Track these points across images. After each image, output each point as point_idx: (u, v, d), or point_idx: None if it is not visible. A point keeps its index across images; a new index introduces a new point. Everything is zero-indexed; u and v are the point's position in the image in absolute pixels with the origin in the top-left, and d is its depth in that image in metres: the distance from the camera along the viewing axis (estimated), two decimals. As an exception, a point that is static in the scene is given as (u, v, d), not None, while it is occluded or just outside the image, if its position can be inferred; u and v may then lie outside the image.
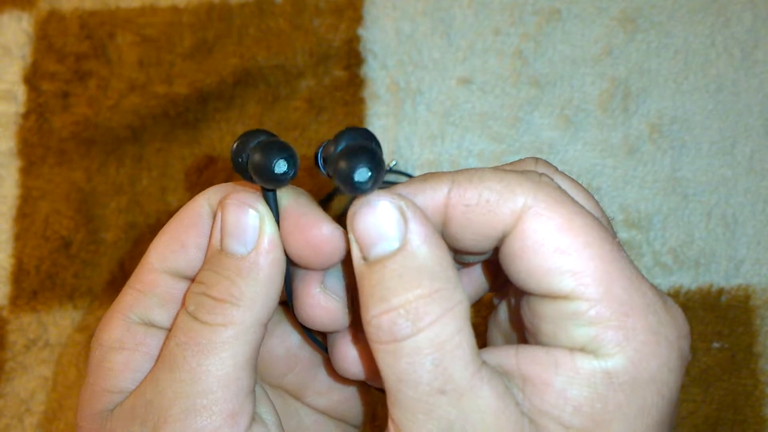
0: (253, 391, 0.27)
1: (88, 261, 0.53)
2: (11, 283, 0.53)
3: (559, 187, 0.24)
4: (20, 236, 0.54)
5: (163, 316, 0.28)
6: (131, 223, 0.54)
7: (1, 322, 0.53)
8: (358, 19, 0.56)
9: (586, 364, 0.23)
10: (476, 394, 0.22)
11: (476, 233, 0.25)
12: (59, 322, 0.52)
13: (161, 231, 0.29)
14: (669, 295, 0.51)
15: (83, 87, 0.56)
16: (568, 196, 0.24)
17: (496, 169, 0.25)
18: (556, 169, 0.27)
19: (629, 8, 0.55)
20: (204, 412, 0.25)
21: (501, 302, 0.31)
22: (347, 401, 0.34)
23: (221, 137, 0.55)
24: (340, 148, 0.24)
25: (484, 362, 0.23)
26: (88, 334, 0.52)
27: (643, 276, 0.24)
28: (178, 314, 0.27)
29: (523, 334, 0.27)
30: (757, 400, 0.50)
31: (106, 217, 0.54)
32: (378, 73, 0.55)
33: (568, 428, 0.22)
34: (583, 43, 0.54)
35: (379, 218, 0.24)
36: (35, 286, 0.53)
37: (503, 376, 0.24)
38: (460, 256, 0.28)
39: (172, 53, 0.57)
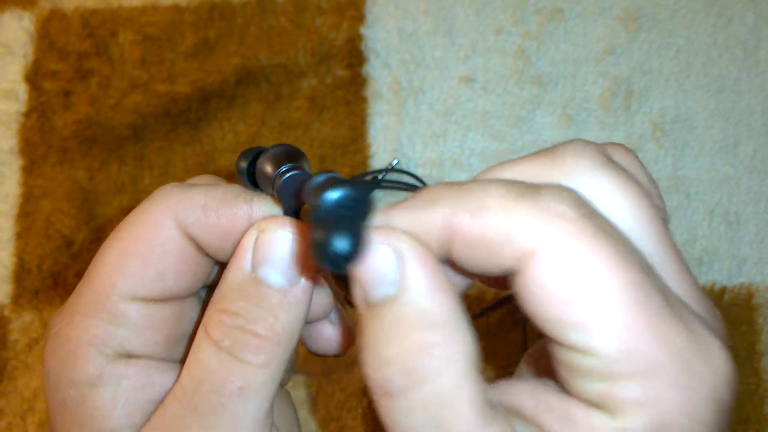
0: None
1: (89, 260, 0.53)
2: (13, 282, 0.53)
3: (580, 216, 0.21)
4: (22, 235, 0.54)
5: (138, 344, 0.26)
6: (133, 221, 0.54)
7: (3, 321, 0.53)
8: (360, 18, 0.56)
9: (602, 423, 0.20)
10: None
11: (479, 267, 0.22)
12: (61, 321, 0.52)
13: (119, 250, 0.26)
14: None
15: (85, 86, 0.56)
16: (591, 225, 0.21)
17: (507, 190, 0.22)
18: (606, 160, 0.23)
19: (631, 7, 0.55)
20: None
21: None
22: None
23: (223, 136, 0.55)
24: (317, 197, 0.22)
25: (488, 408, 0.21)
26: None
27: (679, 315, 0.20)
28: (195, 346, 0.25)
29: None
30: (760, 398, 0.50)
31: (107, 216, 0.54)
32: (380, 72, 0.55)
33: None
34: (586, 42, 0.54)
35: (376, 260, 0.22)
36: (37, 285, 0.53)
37: (518, 420, 0.22)
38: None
39: (174, 52, 0.57)
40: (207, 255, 0.27)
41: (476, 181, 0.23)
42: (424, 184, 0.53)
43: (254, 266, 0.24)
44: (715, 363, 0.20)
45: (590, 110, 0.54)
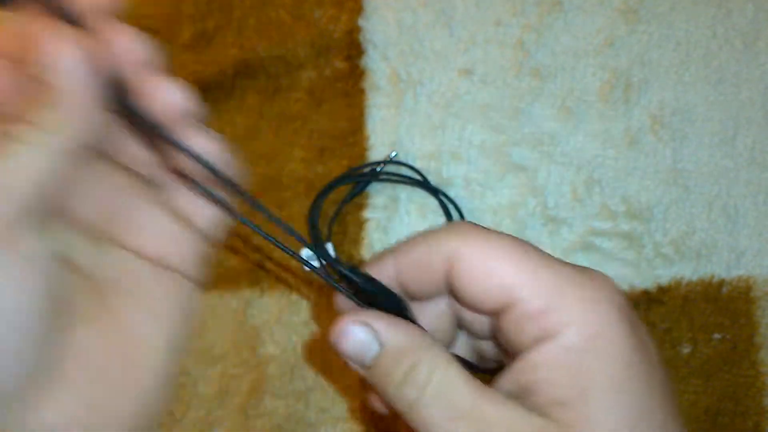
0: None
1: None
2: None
3: (475, 226, 0.29)
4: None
5: None
6: (131, 214, 0.54)
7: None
8: (358, 9, 0.56)
9: (549, 350, 0.27)
10: (483, 410, 0.27)
11: (426, 288, 0.30)
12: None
13: None
14: (670, 286, 0.51)
15: (83, 78, 0.56)
16: (482, 228, 0.29)
17: (426, 232, 0.30)
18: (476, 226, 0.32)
19: (631, -1, 0.55)
20: None
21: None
22: (169, 244, 0.30)
23: (221, 128, 0.55)
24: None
25: (482, 387, 0.28)
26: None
27: (563, 262, 0.28)
28: None
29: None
30: (758, 390, 0.50)
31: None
32: (379, 64, 0.55)
33: (568, 403, 0.26)
34: (585, 34, 0.54)
35: (357, 339, 0.29)
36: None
37: (506, 395, 0.28)
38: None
39: (172, 44, 0.56)
40: None
41: (406, 239, 0.31)
42: (422, 176, 0.53)
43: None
44: (599, 279, 0.28)
45: (589, 102, 0.53)
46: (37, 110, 0.24)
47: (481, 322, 0.32)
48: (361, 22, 0.55)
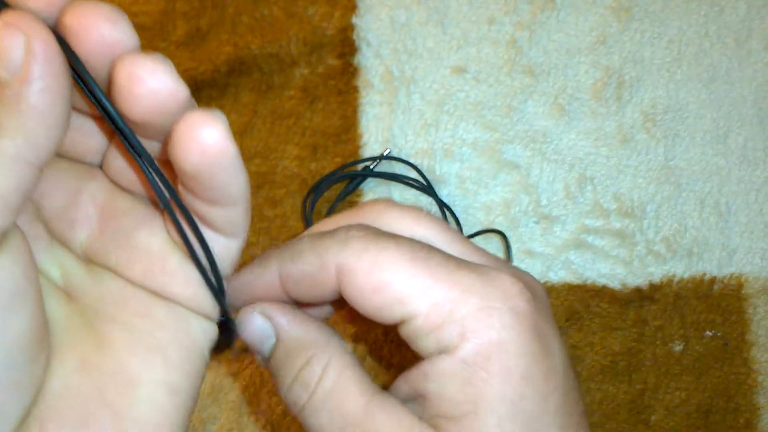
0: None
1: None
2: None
3: (365, 234, 0.27)
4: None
5: None
6: (124, 211, 0.54)
7: None
8: (352, 7, 0.56)
9: (444, 363, 0.26)
10: (374, 418, 0.26)
11: (314, 298, 0.29)
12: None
13: None
14: (662, 283, 0.51)
15: (76, 75, 0.56)
16: (375, 236, 0.27)
17: (313, 236, 0.29)
18: (390, 204, 0.30)
19: (624, -3, 0.55)
20: None
21: None
22: (161, 274, 0.27)
23: (215, 126, 0.55)
24: None
25: (376, 392, 0.27)
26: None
27: (460, 265, 0.27)
28: None
29: None
30: (750, 388, 0.50)
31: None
32: (372, 62, 0.55)
33: (458, 419, 0.25)
34: (578, 32, 0.54)
35: (254, 329, 0.29)
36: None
37: (401, 399, 0.27)
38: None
39: (166, 41, 0.56)
40: None
41: (292, 240, 0.30)
42: (418, 171, 0.53)
43: None
44: (499, 285, 0.26)
45: (582, 100, 0.54)
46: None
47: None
48: (355, 19, 0.56)
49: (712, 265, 0.52)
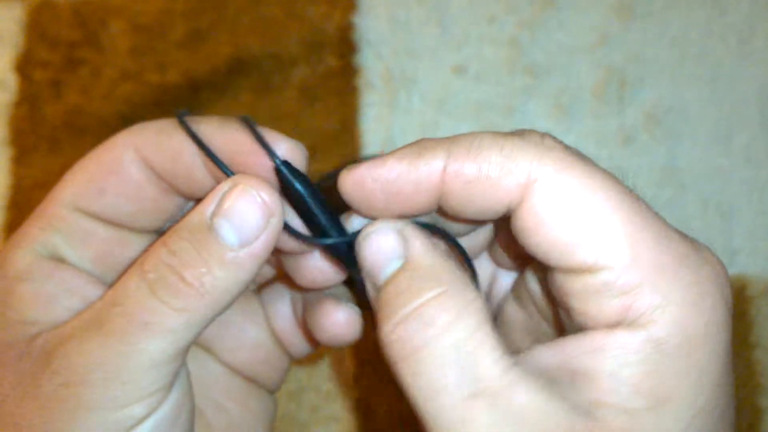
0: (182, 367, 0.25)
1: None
2: (3, 273, 0.53)
3: (567, 148, 0.23)
4: (13, 226, 0.54)
5: (71, 254, 0.26)
6: (124, 212, 0.54)
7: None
8: (351, 7, 0.55)
9: (630, 338, 0.21)
10: (513, 393, 0.21)
11: (479, 208, 0.23)
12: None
13: (75, 168, 0.27)
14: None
15: (75, 76, 0.56)
16: (579, 155, 0.22)
17: (495, 135, 0.23)
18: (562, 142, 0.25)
19: (625, -3, 0.55)
20: (126, 387, 0.23)
21: (528, 272, 0.28)
22: (259, 363, 0.31)
23: (214, 126, 0.55)
24: None
25: (515, 362, 0.22)
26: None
27: (671, 228, 0.22)
28: (130, 270, 0.24)
29: (557, 307, 0.25)
30: (752, 390, 0.50)
31: (98, 207, 0.54)
32: (372, 62, 0.55)
33: (631, 413, 0.20)
34: (579, 31, 0.54)
35: (381, 245, 0.24)
36: (27, 276, 0.53)
37: (544, 376, 0.22)
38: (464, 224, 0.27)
39: (165, 41, 0.56)
40: (176, 194, 0.27)
41: (461, 134, 0.24)
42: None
43: (214, 214, 0.24)
44: (715, 266, 0.22)
45: (583, 100, 0.53)
46: (210, 276, 0.23)
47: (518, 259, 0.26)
48: (355, 19, 0.55)
49: (714, 266, 0.51)
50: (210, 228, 0.24)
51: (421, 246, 0.23)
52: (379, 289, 0.23)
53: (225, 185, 0.24)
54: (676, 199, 0.52)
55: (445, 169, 0.23)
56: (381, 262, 0.23)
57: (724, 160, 0.52)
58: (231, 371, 0.31)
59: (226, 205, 0.24)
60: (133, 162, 0.26)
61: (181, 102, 0.55)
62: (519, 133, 0.23)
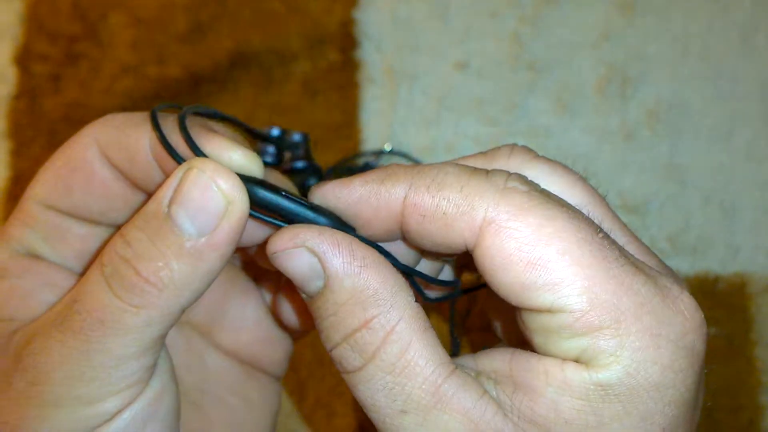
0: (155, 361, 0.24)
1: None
2: (1, 266, 0.53)
3: (529, 190, 0.22)
4: (10, 219, 0.53)
5: (48, 250, 0.26)
6: (123, 206, 0.53)
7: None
8: (353, 2, 0.55)
9: (577, 376, 0.21)
10: (442, 408, 0.21)
11: (437, 242, 0.23)
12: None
13: (46, 165, 0.26)
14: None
15: (75, 69, 0.55)
16: (541, 196, 0.22)
17: (461, 169, 0.23)
18: (535, 155, 0.26)
19: (627, -7, 0.54)
20: (91, 384, 0.22)
21: None
22: (261, 344, 0.30)
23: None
24: None
25: (455, 370, 0.22)
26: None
27: (638, 268, 0.22)
28: (93, 263, 0.23)
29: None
30: (753, 387, 0.50)
31: (97, 200, 0.54)
32: (373, 57, 0.54)
33: None
34: (581, 27, 0.54)
35: (296, 265, 0.23)
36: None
37: (490, 381, 0.22)
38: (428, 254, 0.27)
39: (166, 35, 0.56)
40: (138, 188, 0.26)
41: (430, 164, 0.24)
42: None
43: (172, 201, 0.22)
44: (681, 310, 0.21)
45: (585, 96, 0.53)
46: (167, 270, 0.22)
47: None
48: (356, 14, 0.55)
49: (716, 263, 0.51)
50: (167, 216, 0.22)
51: (340, 267, 0.22)
52: (309, 299, 0.24)
53: (180, 170, 0.22)
54: (678, 195, 0.52)
55: (405, 199, 0.23)
56: (303, 279, 0.23)
57: (726, 156, 0.52)
58: (231, 361, 0.30)
59: (182, 190, 0.22)
60: (96, 159, 0.25)
61: (182, 96, 0.55)
62: (484, 173, 0.23)
